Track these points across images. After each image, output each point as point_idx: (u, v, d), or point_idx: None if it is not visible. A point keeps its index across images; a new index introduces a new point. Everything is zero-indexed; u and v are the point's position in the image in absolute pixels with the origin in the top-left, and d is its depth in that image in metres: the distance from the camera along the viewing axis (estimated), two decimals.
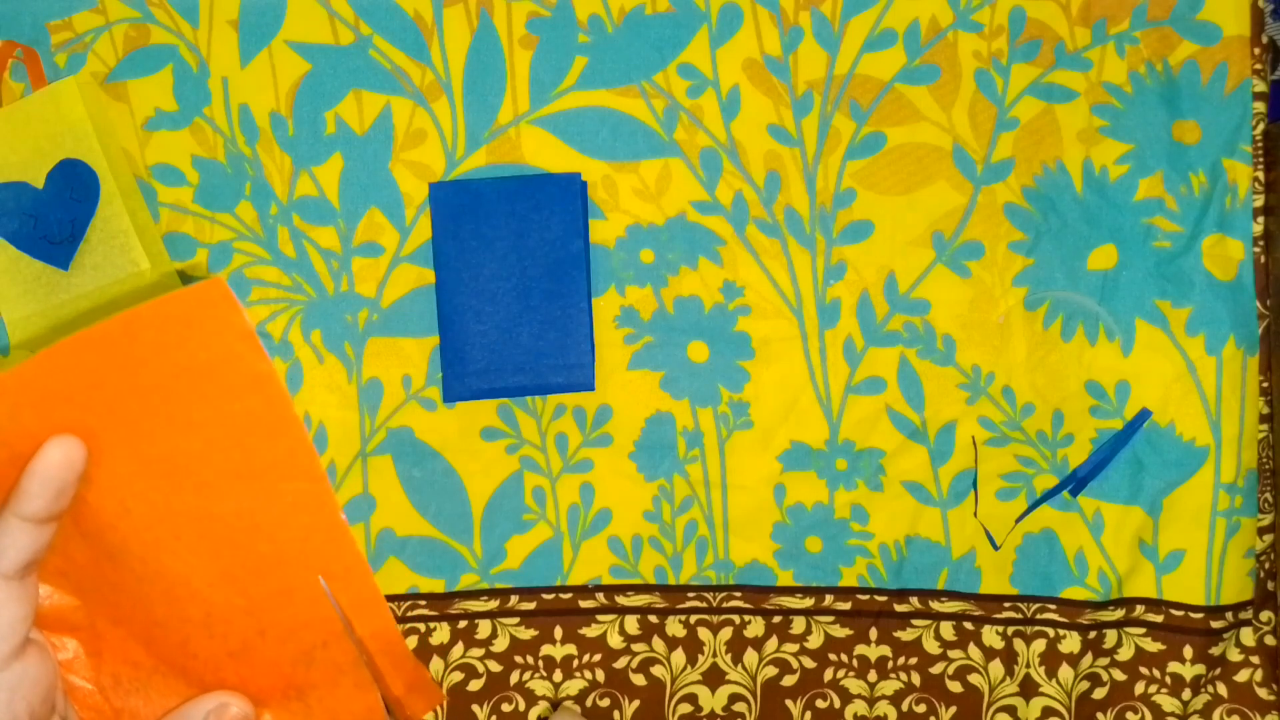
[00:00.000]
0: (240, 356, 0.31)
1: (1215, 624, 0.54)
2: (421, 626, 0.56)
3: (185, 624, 0.34)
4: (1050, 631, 0.55)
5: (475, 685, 0.56)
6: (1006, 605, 0.56)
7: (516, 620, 0.56)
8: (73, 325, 0.52)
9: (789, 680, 0.56)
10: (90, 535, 0.33)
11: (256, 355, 0.31)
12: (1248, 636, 0.54)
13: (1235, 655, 0.54)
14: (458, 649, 0.56)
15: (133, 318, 0.29)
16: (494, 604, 0.56)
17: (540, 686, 0.56)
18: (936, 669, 0.56)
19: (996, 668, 0.56)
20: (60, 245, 0.52)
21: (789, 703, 0.56)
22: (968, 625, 0.56)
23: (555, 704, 0.56)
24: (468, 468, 0.56)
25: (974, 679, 0.56)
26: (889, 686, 0.56)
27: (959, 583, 0.56)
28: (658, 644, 0.56)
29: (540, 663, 0.56)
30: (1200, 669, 0.54)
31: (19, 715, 0.31)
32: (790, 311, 0.55)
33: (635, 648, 0.56)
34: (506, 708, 0.56)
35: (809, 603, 0.56)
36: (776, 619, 0.56)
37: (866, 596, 0.56)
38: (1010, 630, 0.56)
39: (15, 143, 0.52)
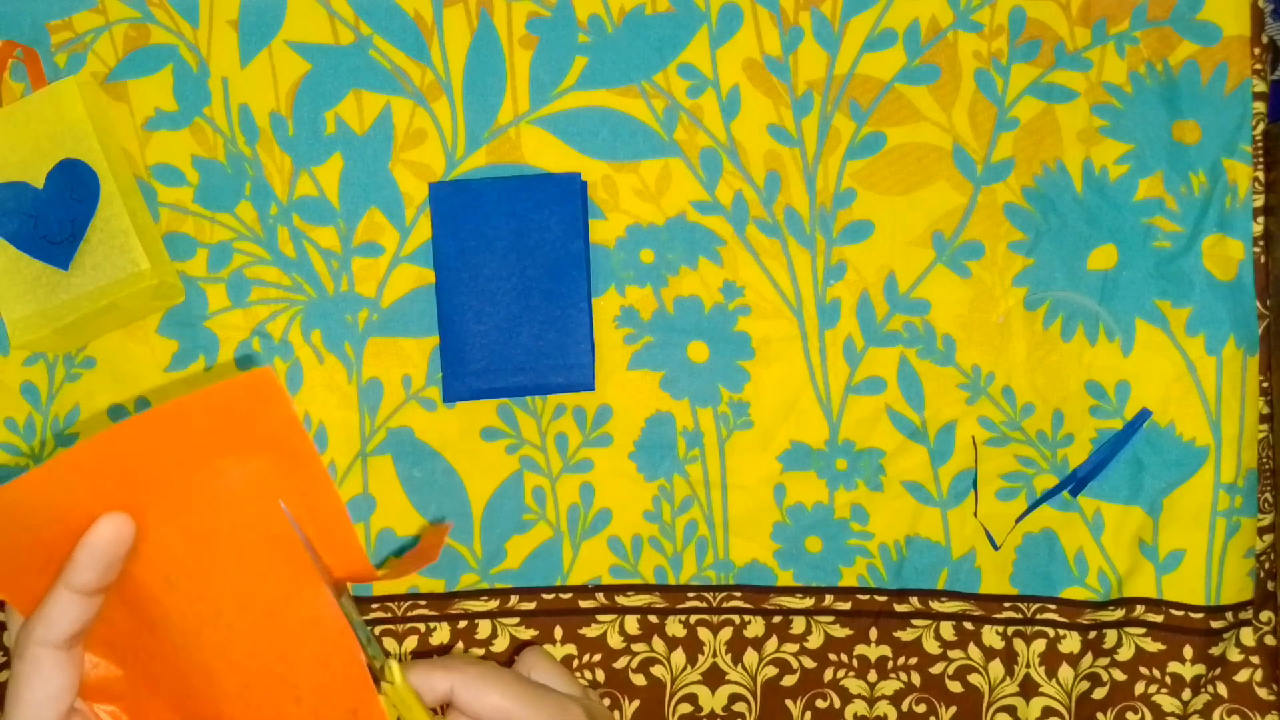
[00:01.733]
0: (286, 442, 0.32)
1: (1215, 624, 0.54)
2: (421, 626, 0.56)
3: (220, 696, 0.35)
4: (1050, 631, 0.55)
5: None
6: (1006, 605, 0.56)
7: (516, 620, 0.56)
8: (73, 325, 0.52)
9: (789, 680, 0.56)
10: (133, 606, 0.34)
11: (301, 440, 0.32)
12: (1248, 636, 0.54)
13: (1235, 655, 0.54)
14: (458, 649, 0.56)
15: (183, 405, 0.31)
16: (494, 604, 0.56)
17: None
18: (936, 669, 0.56)
19: (996, 668, 0.56)
20: (60, 245, 0.52)
21: (789, 703, 0.56)
22: (968, 625, 0.56)
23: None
24: (468, 468, 0.56)
25: (974, 679, 0.56)
26: (889, 686, 0.56)
27: (959, 583, 0.56)
28: (658, 644, 0.56)
29: None
30: (1200, 669, 0.54)
31: None
32: (790, 311, 0.55)
33: (635, 648, 0.56)
34: None
35: (809, 603, 0.56)
36: (776, 619, 0.56)
37: (866, 596, 0.56)
38: (1010, 630, 0.56)
39: (15, 143, 0.52)
